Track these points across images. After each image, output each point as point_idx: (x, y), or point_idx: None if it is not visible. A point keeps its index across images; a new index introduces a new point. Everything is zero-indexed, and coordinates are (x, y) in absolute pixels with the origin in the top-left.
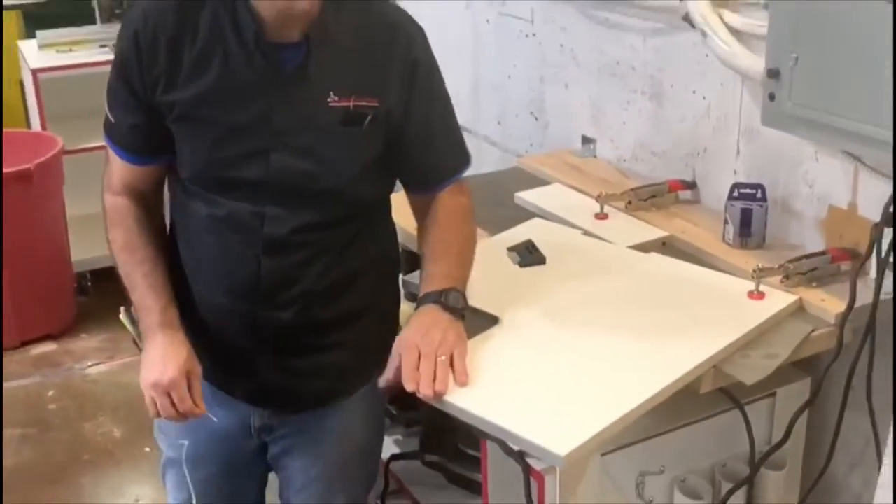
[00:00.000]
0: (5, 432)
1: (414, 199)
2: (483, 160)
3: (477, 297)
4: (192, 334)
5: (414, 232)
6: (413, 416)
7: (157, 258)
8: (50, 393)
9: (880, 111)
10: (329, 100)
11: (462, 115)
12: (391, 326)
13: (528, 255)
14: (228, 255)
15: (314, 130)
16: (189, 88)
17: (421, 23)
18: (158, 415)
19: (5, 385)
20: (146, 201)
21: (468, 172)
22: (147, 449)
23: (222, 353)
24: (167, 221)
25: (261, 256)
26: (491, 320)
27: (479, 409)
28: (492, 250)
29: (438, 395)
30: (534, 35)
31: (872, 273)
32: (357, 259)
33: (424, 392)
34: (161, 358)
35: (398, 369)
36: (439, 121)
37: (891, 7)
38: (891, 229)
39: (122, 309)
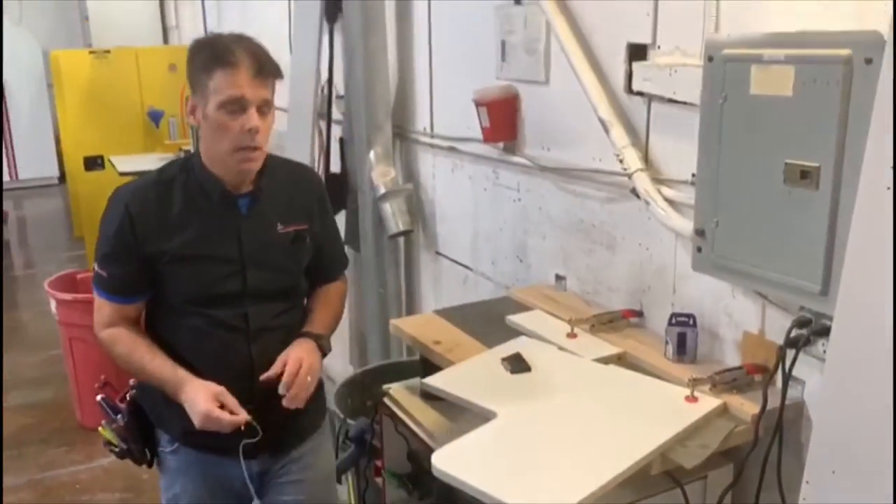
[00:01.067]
0: (106, 496)
1: (313, 286)
2: (480, 291)
3: (478, 395)
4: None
5: (431, 346)
6: (426, 489)
7: (155, 349)
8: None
9: (780, 262)
10: (278, 229)
11: (464, 258)
12: None
13: (517, 364)
14: (226, 351)
15: (272, 250)
16: (175, 239)
17: (437, 192)
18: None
19: (109, 458)
20: (135, 324)
21: (467, 299)
22: None
23: None
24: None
25: (251, 345)
26: (489, 414)
27: (479, 483)
28: (488, 360)
29: (296, 400)
30: (519, 200)
31: (779, 384)
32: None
33: (290, 394)
34: (197, 394)
35: (282, 373)
36: (335, 237)
37: (785, 186)
38: (792, 350)
39: (102, 423)
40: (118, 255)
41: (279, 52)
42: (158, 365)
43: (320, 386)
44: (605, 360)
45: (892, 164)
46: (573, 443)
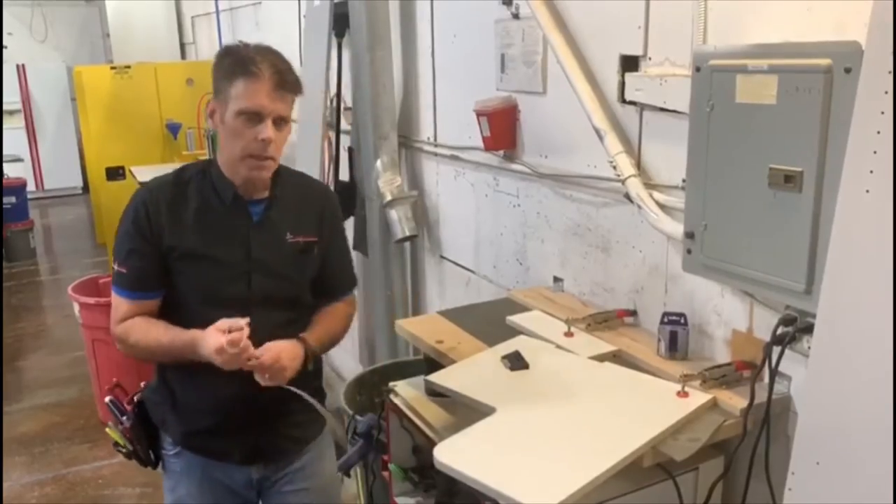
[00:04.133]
0: (127, 490)
1: (320, 303)
2: (482, 293)
3: (478, 392)
4: (201, 420)
5: (435, 345)
6: (430, 481)
7: (169, 325)
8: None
9: (766, 263)
10: (287, 238)
11: (467, 261)
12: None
13: (517, 361)
14: None
15: (280, 258)
16: (186, 237)
17: (441, 199)
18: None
19: None
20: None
21: (470, 301)
22: None
23: (226, 430)
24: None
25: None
26: (489, 409)
27: (480, 475)
28: (489, 358)
29: (271, 383)
30: (519, 205)
31: (766, 379)
32: None
33: (267, 378)
34: (206, 339)
35: (265, 360)
36: (343, 255)
37: (770, 190)
38: (778, 347)
39: (109, 423)
40: (137, 248)
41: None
42: (173, 334)
43: (318, 392)
44: (601, 358)
45: (871, 168)
46: (569, 436)
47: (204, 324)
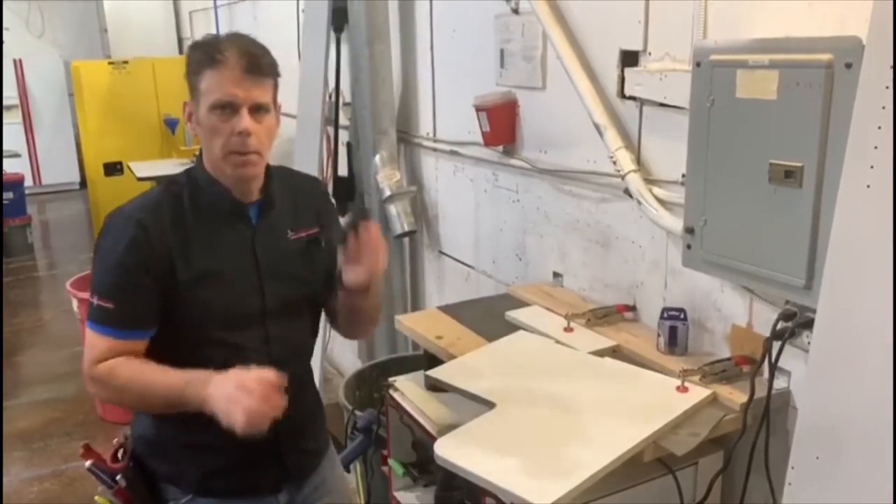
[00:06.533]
0: None
1: (332, 298)
2: (481, 288)
3: (478, 387)
4: (220, 459)
5: (434, 340)
6: (429, 476)
7: (164, 366)
8: None
9: (766, 258)
10: (288, 235)
11: (466, 256)
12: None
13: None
14: None
15: (287, 258)
16: (192, 259)
17: (440, 194)
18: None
19: None
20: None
21: (470, 296)
22: None
23: (250, 462)
24: None
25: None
26: (489, 405)
27: (480, 469)
28: (489, 353)
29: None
30: (518, 201)
31: (766, 374)
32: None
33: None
34: (225, 380)
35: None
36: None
37: (770, 185)
38: (778, 342)
39: (98, 491)
40: (132, 280)
41: (289, 61)
42: (173, 376)
43: (320, 402)
44: (600, 353)
45: (871, 163)
46: (568, 432)
47: (213, 353)
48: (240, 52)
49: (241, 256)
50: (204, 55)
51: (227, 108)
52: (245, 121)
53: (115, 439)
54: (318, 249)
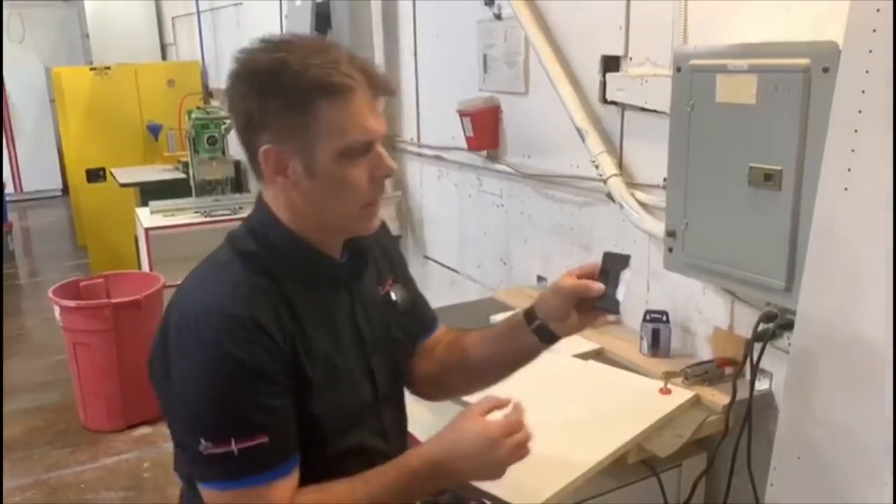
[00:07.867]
0: (110, 494)
1: (420, 346)
2: (467, 292)
3: None
4: None
5: None
6: None
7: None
8: (145, 465)
9: (747, 260)
10: (379, 293)
11: (451, 261)
12: None
13: None
14: None
15: (384, 323)
16: (313, 353)
17: (424, 199)
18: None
19: (113, 458)
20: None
21: (455, 301)
22: None
23: None
24: None
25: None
26: None
27: None
28: None
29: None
30: (502, 205)
31: (748, 375)
32: None
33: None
34: (464, 444)
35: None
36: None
37: (750, 188)
38: (759, 344)
39: None
40: (269, 392)
41: None
42: (383, 472)
43: None
44: (584, 356)
45: (848, 166)
46: (553, 435)
47: (332, 462)
48: (361, 68)
49: (348, 336)
50: (312, 80)
51: (363, 148)
52: (388, 158)
53: None
54: (406, 299)
